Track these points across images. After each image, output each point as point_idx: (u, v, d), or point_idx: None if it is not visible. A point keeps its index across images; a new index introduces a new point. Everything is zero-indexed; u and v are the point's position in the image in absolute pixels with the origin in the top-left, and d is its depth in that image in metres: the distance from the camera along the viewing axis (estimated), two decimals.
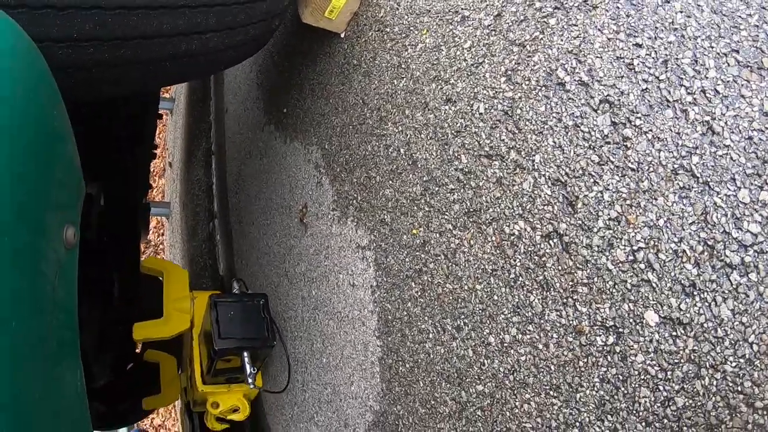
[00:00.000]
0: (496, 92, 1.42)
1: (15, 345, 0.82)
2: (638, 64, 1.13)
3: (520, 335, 1.28)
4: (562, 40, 1.26)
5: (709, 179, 1.03)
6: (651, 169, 1.09)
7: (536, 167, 1.29)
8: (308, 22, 2.01)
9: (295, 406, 2.41)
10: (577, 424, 1.17)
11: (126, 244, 2.85)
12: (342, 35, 2.10)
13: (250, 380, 2.32)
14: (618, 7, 1.18)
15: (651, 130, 1.10)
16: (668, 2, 1.12)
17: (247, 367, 2.33)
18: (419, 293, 1.57)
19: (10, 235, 0.83)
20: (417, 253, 1.59)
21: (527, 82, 1.34)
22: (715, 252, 1.00)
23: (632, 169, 1.11)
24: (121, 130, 2.39)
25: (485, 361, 1.36)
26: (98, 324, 2.61)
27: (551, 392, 1.22)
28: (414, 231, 1.60)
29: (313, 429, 2.24)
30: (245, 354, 2.33)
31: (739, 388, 0.97)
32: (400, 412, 1.64)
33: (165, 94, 7.41)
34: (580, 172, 1.20)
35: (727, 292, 0.99)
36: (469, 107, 1.50)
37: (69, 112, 1.10)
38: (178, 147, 6.33)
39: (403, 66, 1.76)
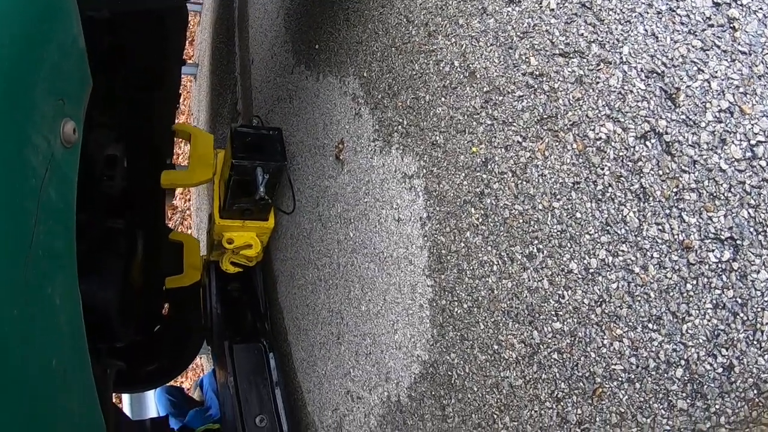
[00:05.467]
0: None
1: None
2: None
3: (610, 258, 1.07)
4: None
5: None
6: (766, 51, 0.91)
7: (625, 59, 1.09)
8: None
9: (329, 361, 2.24)
10: (682, 362, 0.97)
11: (150, 203, 2.86)
12: None
13: (261, 189, 2.47)
14: None
15: (761, 9, 0.93)
16: None
17: (259, 177, 2.48)
18: (480, 220, 1.36)
19: None
20: (477, 174, 1.37)
21: None
22: None
23: (743, 53, 0.94)
24: (140, 79, 2.34)
25: (565, 292, 1.15)
26: (121, 277, 2.50)
27: (650, 325, 1.01)
28: (473, 149, 1.39)
29: (349, 385, 2.06)
30: (258, 169, 2.50)
31: None
32: (454, 361, 1.45)
33: (189, 60, 7.29)
34: (680, 60, 1.01)
35: None
36: (537, 5, 1.28)
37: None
38: (202, 109, 6.23)
39: None
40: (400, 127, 1.70)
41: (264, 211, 2.80)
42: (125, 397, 4.96)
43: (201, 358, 5.95)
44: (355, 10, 2.10)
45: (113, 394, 5.07)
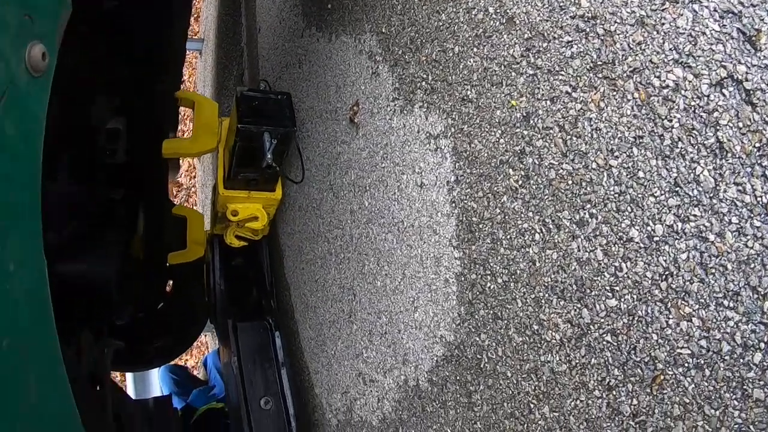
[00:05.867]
0: None
1: None
2: None
3: (679, 224, 0.91)
4: None
5: None
6: None
7: None
8: None
9: (339, 340, 2.10)
10: (762, 345, 0.83)
11: (152, 176, 2.77)
12: None
13: (268, 155, 2.35)
14: None
15: None
16: None
17: (267, 143, 2.35)
18: (520, 182, 1.20)
19: None
20: (517, 130, 1.21)
21: None
22: None
23: None
24: (141, 56, 2.26)
25: (623, 264, 0.99)
26: (121, 252, 2.38)
27: (725, 302, 0.86)
28: (512, 103, 1.23)
29: (361, 366, 1.92)
30: (266, 135, 2.36)
31: None
32: (485, 343, 1.30)
33: (194, 36, 7.14)
34: None
35: None
36: None
37: None
38: (208, 84, 6.09)
39: None
40: (424, 83, 1.53)
41: (271, 181, 2.67)
42: (129, 377, 4.90)
43: (206, 335, 5.86)
44: None
45: (118, 373, 4.99)
